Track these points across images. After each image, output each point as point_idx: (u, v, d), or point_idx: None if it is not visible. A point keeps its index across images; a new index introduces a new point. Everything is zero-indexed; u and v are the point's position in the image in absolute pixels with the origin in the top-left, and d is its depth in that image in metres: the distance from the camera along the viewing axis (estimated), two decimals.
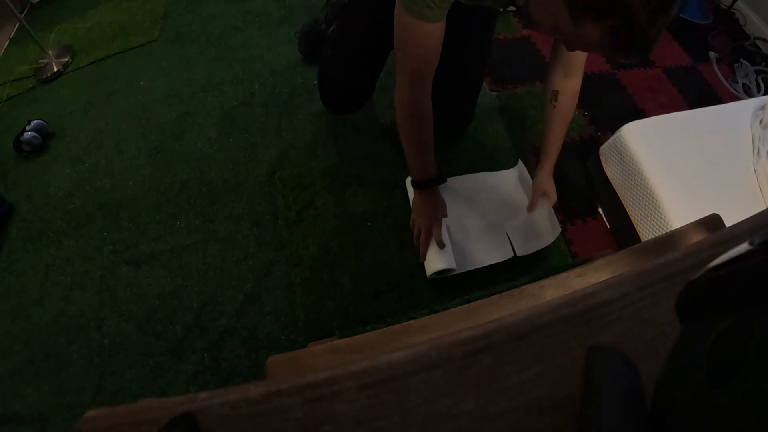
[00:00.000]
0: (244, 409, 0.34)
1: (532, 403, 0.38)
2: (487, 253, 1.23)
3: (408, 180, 1.27)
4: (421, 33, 0.86)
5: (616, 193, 1.28)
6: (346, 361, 0.36)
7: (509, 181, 1.41)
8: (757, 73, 1.86)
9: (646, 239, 1.17)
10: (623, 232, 1.29)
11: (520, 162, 1.43)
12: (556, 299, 0.39)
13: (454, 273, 1.18)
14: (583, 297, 0.39)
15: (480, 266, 1.21)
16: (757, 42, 1.99)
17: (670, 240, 0.69)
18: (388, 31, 0.91)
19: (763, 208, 0.97)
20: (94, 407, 0.35)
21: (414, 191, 1.20)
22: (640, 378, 0.35)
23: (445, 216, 1.19)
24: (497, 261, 1.21)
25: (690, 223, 0.71)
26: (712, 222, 0.69)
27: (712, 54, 1.95)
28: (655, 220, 1.14)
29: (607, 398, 0.34)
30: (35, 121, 1.54)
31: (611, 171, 1.31)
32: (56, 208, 1.40)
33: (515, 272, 1.24)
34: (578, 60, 1.06)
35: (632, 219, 1.23)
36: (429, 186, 1.14)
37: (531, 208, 1.25)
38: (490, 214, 1.32)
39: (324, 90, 1.42)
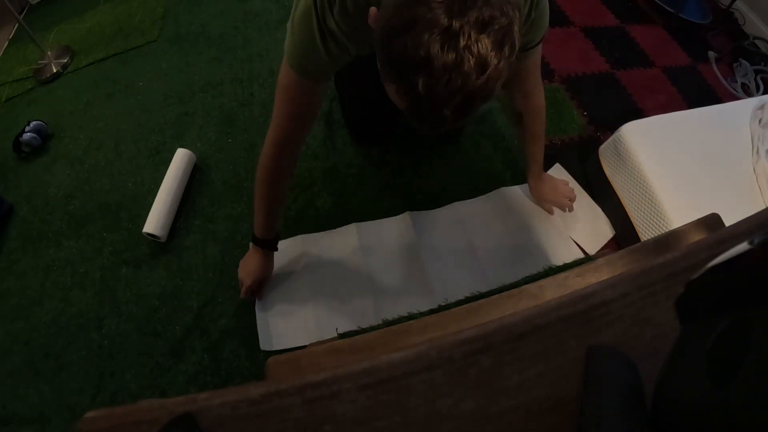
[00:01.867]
0: (244, 409, 0.34)
1: (532, 403, 0.38)
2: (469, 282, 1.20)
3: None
4: (303, 90, 0.84)
5: (615, 193, 1.28)
6: (346, 361, 0.36)
7: (486, 207, 1.37)
8: (757, 72, 1.86)
9: (646, 239, 1.17)
10: (623, 232, 1.29)
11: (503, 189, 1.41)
12: (556, 299, 0.39)
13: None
14: (583, 297, 0.39)
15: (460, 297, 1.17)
16: (756, 41, 1.99)
17: (669, 240, 0.69)
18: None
19: (763, 207, 0.98)
20: (94, 408, 0.35)
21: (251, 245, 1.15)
22: (640, 378, 0.35)
23: (266, 279, 1.17)
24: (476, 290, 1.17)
25: (689, 223, 0.71)
26: (712, 221, 0.70)
27: (711, 54, 1.95)
28: (655, 220, 1.14)
29: (607, 398, 0.34)
30: (34, 122, 1.54)
31: (610, 171, 1.31)
32: (56, 209, 1.40)
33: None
34: (532, 80, 1.02)
35: (632, 219, 1.23)
36: (263, 246, 1.11)
37: (561, 207, 1.30)
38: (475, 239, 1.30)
39: (351, 126, 1.49)
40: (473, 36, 0.48)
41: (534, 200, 1.35)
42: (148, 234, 1.26)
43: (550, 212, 1.32)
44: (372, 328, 1.08)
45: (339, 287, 1.20)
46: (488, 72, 0.50)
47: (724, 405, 0.22)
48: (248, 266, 1.14)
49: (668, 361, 0.30)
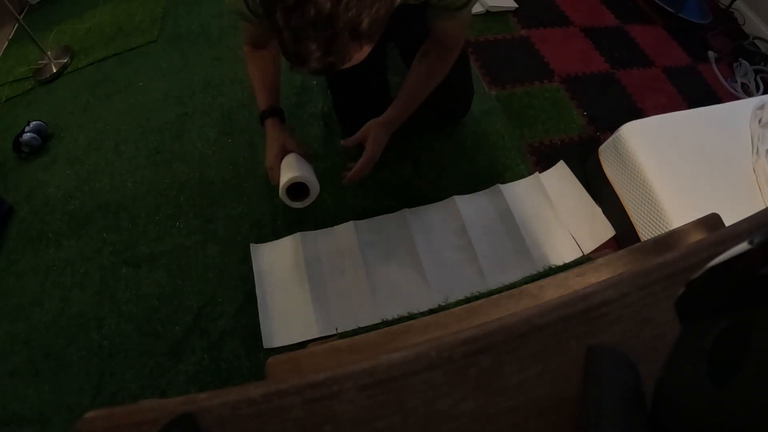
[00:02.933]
0: (244, 409, 0.34)
1: (532, 403, 0.38)
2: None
3: None
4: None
5: (615, 192, 1.28)
6: (346, 361, 0.36)
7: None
8: (756, 72, 1.86)
9: (646, 239, 1.17)
10: (623, 232, 1.29)
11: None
12: (556, 299, 0.39)
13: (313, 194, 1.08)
14: (583, 297, 0.39)
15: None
16: (756, 41, 1.99)
17: (669, 240, 0.69)
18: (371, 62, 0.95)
19: (763, 207, 0.98)
20: (94, 408, 0.35)
21: None
22: (640, 378, 0.35)
23: (288, 147, 1.10)
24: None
25: (689, 223, 0.71)
26: (712, 221, 0.70)
27: (711, 53, 1.95)
28: (655, 220, 1.14)
29: (607, 398, 0.34)
30: (34, 122, 1.54)
31: (610, 171, 1.31)
32: (56, 209, 1.40)
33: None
34: (450, 41, 1.05)
35: (631, 219, 1.23)
36: (272, 115, 1.10)
37: (348, 142, 1.21)
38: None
39: (343, 123, 1.47)
40: None
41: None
42: (290, 195, 1.06)
43: (347, 144, 1.22)
44: (372, 328, 1.08)
45: (339, 284, 1.21)
46: (344, 4, 0.52)
47: (724, 405, 0.22)
48: (270, 150, 1.10)
49: (668, 361, 0.30)
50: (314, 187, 1.06)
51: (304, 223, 1.32)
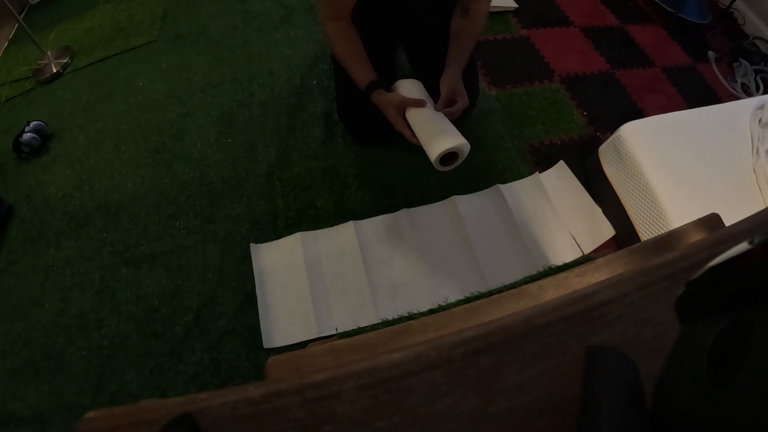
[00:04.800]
0: (244, 409, 0.34)
1: (532, 403, 0.38)
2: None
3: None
4: None
5: (615, 192, 1.28)
6: (346, 361, 0.36)
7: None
8: (756, 72, 1.86)
9: (646, 239, 1.17)
10: (623, 232, 1.29)
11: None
12: (556, 299, 0.39)
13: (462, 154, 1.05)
14: (583, 297, 0.39)
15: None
16: (756, 41, 1.99)
17: (669, 240, 0.69)
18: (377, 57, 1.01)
19: (763, 207, 0.98)
20: (94, 408, 0.35)
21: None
22: (640, 378, 0.35)
23: (404, 104, 1.09)
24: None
25: (689, 223, 0.71)
26: (712, 221, 0.69)
27: (711, 53, 1.95)
28: (655, 220, 1.14)
29: (607, 398, 0.34)
30: (34, 122, 1.54)
31: (610, 171, 1.31)
32: (55, 209, 1.40)
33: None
34: None
35: (631, 219, 1.23)
36: (375, 88, 1.12)
37: (439, 106, 1.13)
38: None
39: (346, 122, 1.49)
40: None
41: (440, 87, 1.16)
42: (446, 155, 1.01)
43: (443, 102, 1.13)
44: (372, 328, 1.09)
45: (338, 284, 1.21)
46: None
47: (724, 405, 0.22)
48: (389, 110, 1.09)
49: (668, 361, 0.30)
50: (464, 149, 1.01)
51: (304, 223, 1.32)
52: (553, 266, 1.22)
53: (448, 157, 1.03)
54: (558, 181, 1.43)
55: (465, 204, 1.35)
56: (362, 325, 1.09)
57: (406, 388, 0.36)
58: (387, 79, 1.34)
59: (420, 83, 1.19)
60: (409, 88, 1.17)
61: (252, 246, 1.27)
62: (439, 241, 1.29)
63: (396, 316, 1.11)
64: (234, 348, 1.13)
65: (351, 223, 1.31)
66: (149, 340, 1.15)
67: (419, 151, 1.09)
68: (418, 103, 1.09)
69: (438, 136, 1.01)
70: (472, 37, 1.19)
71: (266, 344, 1.12)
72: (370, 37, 1.18)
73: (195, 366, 1.11)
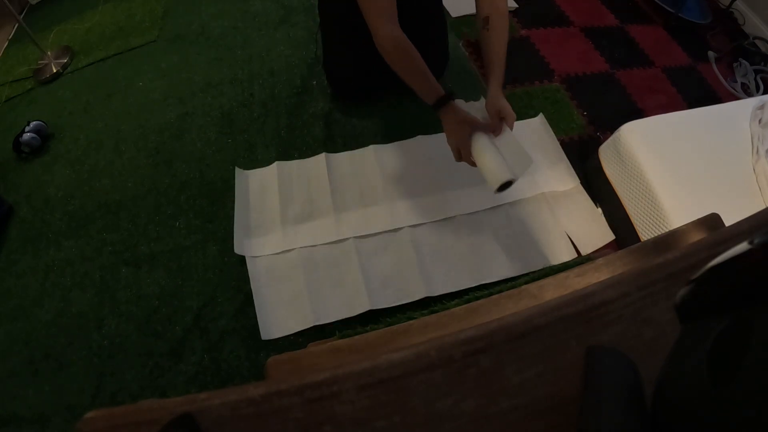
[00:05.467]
0: (244, 409, 0.34)
1: (532, 403, 0.38)
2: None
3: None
4: None
5: (615, 192, 1.28)
6: (346, 361, 0.36)
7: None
8: (756, 72, 1.86)
9: (646, 239, 1.17)
10: (623, 232, 1.29)
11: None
12: (556, 299, 0.39)
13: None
14: (583, 297, 0.39)
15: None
16: (756, 41, 1.99)
17: (669, 240, 0.69)
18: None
19: (763, 207, 0.98)
20: (94, 408, 0.35)
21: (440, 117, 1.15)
22: (640, 378, 0.35)
23: (475, 125, 1.10)
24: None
25: (689, 223, 0.71)
26: (712, 221, 0.70)
27: (711, 54, 1.95)
28: (655, 220, 1.14)
29: (607, 398, 0.34)
30: (34, 122, 1.54)
31: (610, 171, 1.31)
32: (55, 209, 1.40)
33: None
34: None
35: (631, 219, 1.23)
36: (443, 103, 1.11)
37: (495, 131, 1.14)
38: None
39: (332, 80, 1.55)
40: None
41: (487, 112, 1.19)
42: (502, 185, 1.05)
43: (497, 130, 1.15)
44: (366, 316, 1.13)
45: (332, 272, 1.23)
46: None
47: (724, 405, 0.22)
48: (453, 129, 1.09)
49: (668, 361, 0.30)
50: (518, 177, 1.06)
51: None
52: (553, 266, 1.23)
53: (505, 183, 1.05)
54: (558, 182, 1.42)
55: (460, 200, 1.38)
56: (356, 313, 1.14)
57: (406, 388, 0.36)
58: (365, 79, 1.43)
59: (475, 105, 1.26)
60: (468, 108, 1.16)
61: (237, 170, 1.38)
62: (431, 236, 1.30)
63: (389, 305, 1.15)
64: (234, 348, 1.13)
65: (323, 155, 1.43)
66: (149, 340, 1.15)
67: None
68: (486, 129, 1.09)
69: (496, 166, 1.04)
70: (501, 46, 1.17)
71: (264, 336, 1.13)
72: (350, 22, 1.19)
73: (195, 366, 1.11)
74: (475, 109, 1.20)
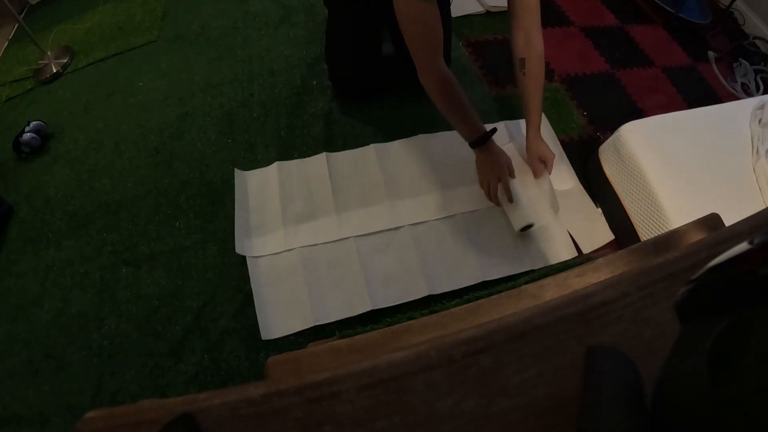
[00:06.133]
0: (244, 409, 0.34)
1: (532, 403, 0.38)
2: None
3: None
4: (426, 13, 0.95)
5: (615, 192, 1.28)
6: (346, 361, 0.36)
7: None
8: (756, 72, 1.86)
9: (646, 239, 1.17)
10: (623, 232, 1.29)
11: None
12: (556, 299, 0.39)
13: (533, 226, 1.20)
14: (583, 297, 0.39)
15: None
16: (756, 41, 1.99)
17: (669, 239, 0.69)
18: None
19: (763, 207, 0.98)
20: (94, 408, 0.35)
21: (474, 152, 1.22)
22: (640, 378, 0.35)
23: (509, 166, 1.20)
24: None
25: (689, 223, 0.71)
26: (712, 221, 0.70)
27: (711, 53, 1.95)
28: (655, 220, 1.14)
29: (607, 398, 0.34)
30: (34, 122, 1.54)
31: (610, 171, 1.31)
32: (56, 209, 1.40)
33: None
34: (533, 23, 1.13)
35: (631, 219, 1.23)
36: (482, 142, 1.15)
37: (536, 174, 1.26)
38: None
39: (332, 75, 1.56)
40: None
41: (526, 158, 1.33)
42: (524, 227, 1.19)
43: (537, 173, 1.29)
44: (367, 316, 1.13)
45: (333, 272, 1.23)
46: None
47: (724, 405, 0.22)
48: (485, 166, 1.17)
49: (668, 361, 0.30)
50: (541, 222, 1.20)
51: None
52: (553, 265, 1.23)
53: (527, 226, 1.18)
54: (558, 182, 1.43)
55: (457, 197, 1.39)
56: (357, 312, 1.14)
57: (406, 388, 0.36)
58: (375, 48, 1.44)
59: (511, 150, 1.31)
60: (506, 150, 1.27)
61: (236, 171, 1.38)
62: (430, 232, 1.30)
63: (389, 305, 1.15)
64: (234, 348, 1.13)
65: (323, 154, 1.43)
66: (149, 340, 1.15)
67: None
68: (513, 172, 1.20)
69: (521, 211, 1.17)
70: (537, 93, 1.20)
71: (264, 336, 1.13)
72: (355, 22, 1.19)
73: (195, 366, 1.11)
74: (507, 149, 1.32)
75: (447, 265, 1.24)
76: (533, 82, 1.19)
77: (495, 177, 1.15)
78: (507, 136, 1.52)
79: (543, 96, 1.22)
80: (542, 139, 1.26)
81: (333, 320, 1.15)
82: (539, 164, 1.26)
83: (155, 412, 0.34)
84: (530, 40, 1.15)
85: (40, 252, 1.31)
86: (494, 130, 1.17)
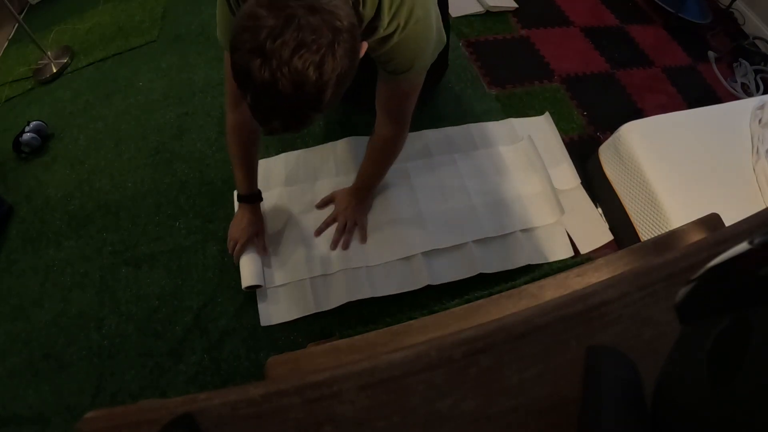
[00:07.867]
0: (244, 409, 0.34)
1: (532, 403, 0.38)
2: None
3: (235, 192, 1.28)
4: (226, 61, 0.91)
5: (615, 192, 1.29)
6: (346, 361, 0.36)
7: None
8: (756, 72, 1.86)
9: (646, 239, 1.17)
10: (623, 232, 1.29)
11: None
12: (556, 299, 0.39)
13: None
14: (583, 297, 0.39)
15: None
16: (756, 41, 1.99)
17: (669, 239, 0.69)
18: None
19: (763, 207, 0.98)
20: (94, 408, 0.35)
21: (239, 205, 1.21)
22: (639, 378, 0.35)
23: (261, 233, 1.22)
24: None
25: (689, 223, 0.71)
26: (712, 221, 0.70)
27: (711, 53, 1.95)
28: (655, 220, 1.14)
29: (607, 398, 0.34)
30: (34, 122, 1.54)
31: (610, 170, 1.31)
32: (55, 209, 1.40)
33: (514, 273, 1.25)
34: (386, 107, 1.00)
35: (631, 219, 1.23)
36: (249, 201, 1.17)
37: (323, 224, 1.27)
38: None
39: None
40: (285, 57, 0.53)
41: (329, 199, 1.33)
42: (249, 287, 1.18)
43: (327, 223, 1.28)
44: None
45: (334, 260, 1.24)
46: (306, 88, 0.55)
47: (724, 405, 0.22)
48: (240, 224, 1.18)
49: (668, 361, 0.30)
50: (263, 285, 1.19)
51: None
52: (552, 264, 1.23)
53: (252, 286, 1.17)
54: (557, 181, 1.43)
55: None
56: (356, 298, 1.16)
57: (406, 388, 0.36)
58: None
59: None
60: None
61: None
62: (433, 231, 1.30)
63: (389, 293, 1.16)
64: (234, 348, 1.13)
65: (330, 143, 1.46)
66: (149, 340, 1.15)
67: None
68: (261, 245, 1.22)
69: (254, 271, 1.18)
70: (373, 166, 1.17)
71: (263, 322, 1.15)
72: None
73: (195, 366, 1.11)
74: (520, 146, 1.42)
75: (448, 256, 1.25)
76: (369, 158, 1.15)
77: (243, 236, 1.16)
78: (517, 133, 1.52)
79: (382, 175, 1.22)
80: (353, 199, 1.25)
81: (333, 306, 1.16)
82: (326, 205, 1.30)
83: (155, 412, 0.34)
84: (381, 124, 1.05)
85: (40, 252, 1.31)
86: (257, 196, 1.18)
